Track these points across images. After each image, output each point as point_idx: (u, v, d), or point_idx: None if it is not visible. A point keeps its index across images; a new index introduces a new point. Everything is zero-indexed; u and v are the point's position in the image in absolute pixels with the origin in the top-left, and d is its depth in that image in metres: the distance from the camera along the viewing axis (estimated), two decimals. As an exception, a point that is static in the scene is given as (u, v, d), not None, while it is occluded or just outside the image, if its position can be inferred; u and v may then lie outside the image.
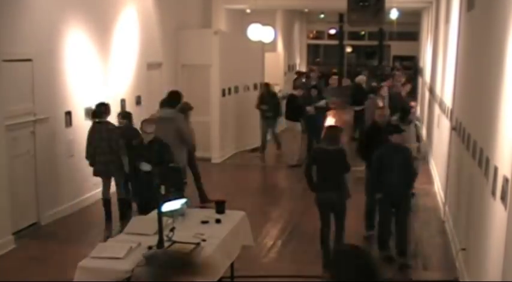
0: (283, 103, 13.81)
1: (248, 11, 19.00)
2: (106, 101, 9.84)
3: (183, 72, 12.70)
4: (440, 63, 11.36)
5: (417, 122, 13.17)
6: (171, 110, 8.49)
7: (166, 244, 4.88)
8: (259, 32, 17.70)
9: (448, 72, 9.37)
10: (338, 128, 7.40)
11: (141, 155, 7.09)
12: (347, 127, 14.67)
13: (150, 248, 4.85)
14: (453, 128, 8.03)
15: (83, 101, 9.16)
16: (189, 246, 4.85)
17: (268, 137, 13.47)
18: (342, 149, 6.83)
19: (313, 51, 30.08)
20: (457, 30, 8.42)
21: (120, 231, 6.00)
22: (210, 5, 14.80)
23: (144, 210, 6.53)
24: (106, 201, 8.26)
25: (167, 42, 12.19)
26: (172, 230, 5.11)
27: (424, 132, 15.74)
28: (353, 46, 30.68)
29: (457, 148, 7.65)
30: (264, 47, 15.43)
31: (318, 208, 6.85)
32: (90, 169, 9.36)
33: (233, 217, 5.85)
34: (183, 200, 5.80)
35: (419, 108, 19.13)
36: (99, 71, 9.66)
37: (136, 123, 8.43)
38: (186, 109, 8.89)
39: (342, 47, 28.73)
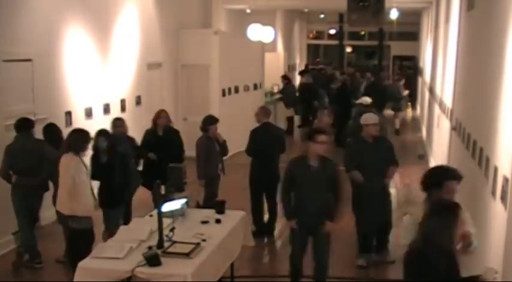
0: None
1: (248, 11, 19.00)
2: (106, 101, 9.87)
3: (183, 72, 12.70)
4: (440, 63, 11.36)
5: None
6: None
7: (166, 244, 4.88)
8: (259, 32, 17.71)
9: (448, 72, 9.37)
10: None
11: None
12: None
13: (150, 248, 4.85)
14: (453, 128, 8.03)
15: (83, 101, 9.16)
16: (189, 246, 4.85)
17: None
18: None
19: (313, 51, 30.07)
20: (457, 30, 8.42)
21: None
22: (210, 5, 14.80)
23: None
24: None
25: (167, 42, 12.19)
26: (172, 230, 5.11)
27: (424, 132, 15.74)
28: (353, 46, 30.67)
29: (457, 148, 7.65)
30: (264, 47, 15.43)
31: None
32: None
33: (233, 217, 5.85)
34: (183, 200, 5.81)
35: (419, 108, 19.12)
36: (99, 71, 9.66)
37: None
38: None
39: (342, 47, 28.73)
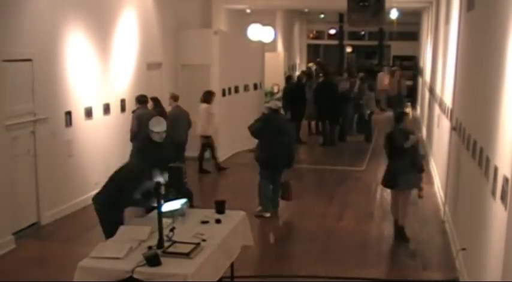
0: None
1: (248, 11, 19.03)
2: (106, 101, 9.87)
3: (183, 72, 12.69)
4: (440, 63, 11.36)
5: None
6: None
7: (166, 244, 4.88)
8: (259, 32, 17.73)
9: (448, 72, 9.38)
10: None
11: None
12: None
13: (150, 248, 4.85)
14: (453, 128, 8.03)
15: (83, 101, 9.16)
16: (189, 246, 4.85)
17: None
18: None
19: (313, 51, 30.10)
20: (457, 30, 8.42)
21: None
22: (210, 5, 14.80)
23: None
24: None
25: (167, 42, 12.19)
26: (172, 230, 5.11)
27: (424, 132, 15.74)
28: (353, 46, 30.70)
29: (457, 148, 7.65)
30: (264, 47, 15.43)
31: None
32: (90, 169, 9.38)
33: (233, 217, 5.85)
34: (183, 200, 5.81)
35: (419, 108, 19.12)
36: (99, 71, 9.66)
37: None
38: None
39: (342, 47, 28.76)
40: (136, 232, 5.19)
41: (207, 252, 4.87)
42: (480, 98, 5.94)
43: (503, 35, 4.76)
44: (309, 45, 28.76)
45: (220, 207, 5.92)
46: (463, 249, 6.33)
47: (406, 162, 7.48)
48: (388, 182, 7.78)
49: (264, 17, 19.26)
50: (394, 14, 19.84)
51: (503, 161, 4.40)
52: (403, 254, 7.40)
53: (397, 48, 27.57)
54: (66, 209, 8.74)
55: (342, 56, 28.91)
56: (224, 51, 12.59)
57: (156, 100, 10.12)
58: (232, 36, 15.16)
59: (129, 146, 10.60)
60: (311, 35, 29.67)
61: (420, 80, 20.26)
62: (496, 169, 4.59)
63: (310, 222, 8.58)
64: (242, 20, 18.93)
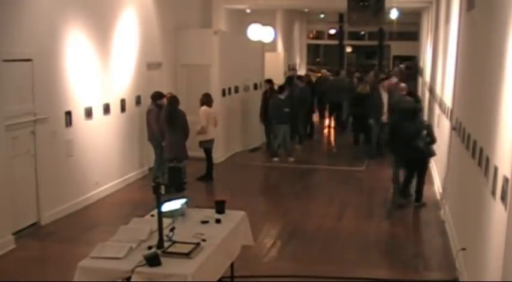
0: None
1: (248, 11, 19.04)
2: (106, 101, 9.88)
3: (182, 72, 12.69)
4: (440, 63, 11.36)
5: None
6: None
7: (166, 244, 4.88)
8: (259, 32, 17.75)
9: (448, 72, 9.38)
10: None
11: None
12: None
13: (150, 248, 4.85)
14: (453, 128, 8.04)
15: (83, 101, 9.16)
16: (189, 246, 4.85)
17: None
18: None
19: (313, 51, 30.12)
20: (457, 30, 8.42)
21: None
22: (210, 5, 14.80)
23: None
24: None
25: (167, 42, 12.20)
26: (172, 230, 5.11)
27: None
28: (353, 46, 30.72)
29: (457, 148, 7.65)
30: (264, 47, 15.44)
31: None
32: (90, 169, 9.39)
33: (233, 217, 5.85)
34: (183, 200, 5.81)
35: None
36: (99, 71, 9.66)
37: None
38: None
39: (342, 47, 28.78)
40: (136, 232, 5.19)
41: (207, 252, 4.87)
42: (480, 98, 5.94)
43: (503, 35, 4.75)
44: (309, 45, 28.77)
45: (220, 207, 5.92)
46: (463, 249, 6.33)
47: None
48: None
49: (264, 17, 19.28)
50: (394, 14, 19.85)
51: (503, 161, 4.40)
52: (403, 253, 7.40)
53: (397, 48, 27.58)
54: (66, 209, 8.74)
55: (342, 56, 28.92)
56: (224, 51, 12.59)
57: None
58: (232, 36, 15.17)
59: (129, 146, 10.64)
60: (311, 35, 29.69)
61: (420, 80, 20.26)
62: (496, 169, 4.58)
63: (310, 222, 8.58)
64: (242, 20, 18.95)
